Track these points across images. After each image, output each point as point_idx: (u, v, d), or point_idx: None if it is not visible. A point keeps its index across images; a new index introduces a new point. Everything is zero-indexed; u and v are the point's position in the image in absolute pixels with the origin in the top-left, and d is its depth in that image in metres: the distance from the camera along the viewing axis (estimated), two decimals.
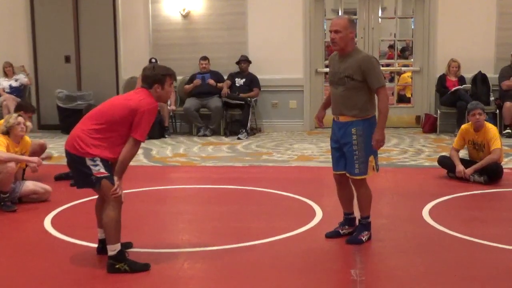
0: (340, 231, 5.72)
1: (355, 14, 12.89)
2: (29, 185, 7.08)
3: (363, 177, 5.47)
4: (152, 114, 4.92)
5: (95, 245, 5.35)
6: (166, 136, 11.82)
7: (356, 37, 5.55)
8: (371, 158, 5.42)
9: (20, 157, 7.02)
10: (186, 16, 12.41)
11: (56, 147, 10.75)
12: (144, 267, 4.93)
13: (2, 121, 7.37)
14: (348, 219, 5.75)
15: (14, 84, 12.55)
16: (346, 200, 5.75)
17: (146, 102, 4.89)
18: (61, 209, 6.80)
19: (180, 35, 12.48)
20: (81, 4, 12.84)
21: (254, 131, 12.00)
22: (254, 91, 11.99)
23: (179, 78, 12.30)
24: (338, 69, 5.40)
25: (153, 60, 11.94)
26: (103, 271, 4.90)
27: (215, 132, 11.95)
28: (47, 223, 6.26)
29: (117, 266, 4.87)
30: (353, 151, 5.38)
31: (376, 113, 5.41)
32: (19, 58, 12.82)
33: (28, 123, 7.21)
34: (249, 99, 11.80)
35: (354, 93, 5.31)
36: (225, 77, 12.17)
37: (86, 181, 4.91)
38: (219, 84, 12.03)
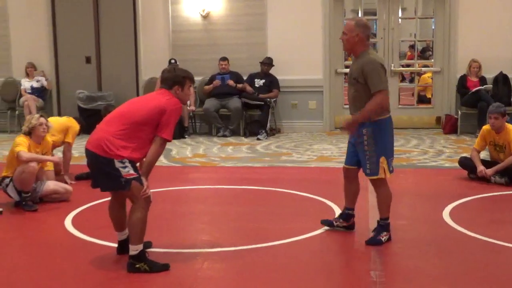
0: (334, 222, 5.80)
1: (375, 14, 12.87)
2: (50, 185, 7.14)
3: (375, 177, 5.48)
4: (178, 114, 4.98)
5: (115, 245, 5.38)
6: (186, 136, 11.86)
7: (368, 39, 5.50)
8: (382, 159, 5.43)
9: (41, 156, 7.07)
10: (205, 17, 12.43)
11: (77, 147, 10.81)
12: (163, 267, 4.95)
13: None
14: (346, 214, 5.81)
15: (35, 85, 12.66)
16: (350, 195, 5.81)
17: (173, 102, 4.93)
18: (82, 209, 6.84)
19: (199, 36, 12.50)
20: (102, 5, 12.92)
21: (273, 132, 11.99)
22: (274, 92, 11.98)
23: (198, 78, 12.34)
24: (351, 71, 5.53)
25: (173, 61, 11.99)
26: (123, 271, 4.92)
27: (234, 133, 11.96)
28: (68, 222, 6.30)
29: (137, 265, 4.89)
30: (364, 152, 5.44)
31: (387, 115, 5.52)
32: (40, 59, 12.93)
33: (50, 124, 7.27)
34: (268, 99, 11.80)
35: (363, 95, 5.38)
36: (244, 78, 12.17)
37: (114, 183, 4.90)
38: (239, 85, 12.05)
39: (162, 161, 9.65)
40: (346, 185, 5.80)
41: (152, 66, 12.53)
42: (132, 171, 4.86)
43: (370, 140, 5.39)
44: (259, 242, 5.57)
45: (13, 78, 13.08)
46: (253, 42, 12.28)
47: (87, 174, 8.00)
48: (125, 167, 4.84)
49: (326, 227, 5.86)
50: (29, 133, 7.02)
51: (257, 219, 6.44)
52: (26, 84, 12.70)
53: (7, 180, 6.93)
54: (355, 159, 5.61)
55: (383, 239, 5.51)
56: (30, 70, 12.72)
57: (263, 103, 11.80)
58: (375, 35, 12.97)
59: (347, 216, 5.82)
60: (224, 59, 12.13)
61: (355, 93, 5.45)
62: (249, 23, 12.32)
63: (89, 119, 11.75)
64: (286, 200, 7.14)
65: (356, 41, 5.41)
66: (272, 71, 12.03)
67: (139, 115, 4.90)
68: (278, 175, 8.45)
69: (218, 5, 12.39)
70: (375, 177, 5.48)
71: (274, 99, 12.04)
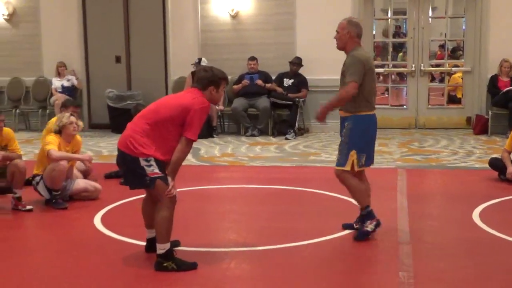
0: (354, 225, 5.84)
1: (405, 13, 12.78)
2: (80, 183, 7.20)
3: (341, 168, 5.60)
4: (204, 114, 4.95)
5: (144, 243, 5.41)
6: (214, 135, 11.89)
7: (359, 37, 5.67)
8: (353, 152, 5.54)
9: (72, 155, 7.14)
10: (234, 17, 12.45)
11: (107, 146, 10.91)
12: (191, 266, 4.96)
13: (54, 119, 7.51)
14: (367, 212, 5.77)
15: (66, 84, 12.79)
16: (362, 193, 5.81)
17: (199, 101, 4.92)
18: (111, 207, 6.89)
19: (228, 36, 12.52)
20: (132, 6, 13.00)
21: (302, 131, 11.97)
22: (303, 92, 11.96)
23: None
24: (342, 70, 5.70)
25: (196, 60, 11.97)
26: (150, 270, 4.94)
27: (262, 132, 11.96)
28: (97, 220, 6.35)
29: (165, 264, 4.91)
30: (341, 142, 5.64)
31: (372, 112, 5.62)
32: (71, 58, 13.05)
33: (80, 122, 7.33)
34: (297, 99, 11.78)
35: None
36: (273, 77, 12.17)
37: (140, 181, 4.94)
38: (267, 85, 12.04)
39: (191, 160, 9.68)
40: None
41: (181, 65, 12.58)
42: (157, 170, 4.86)
43: (347, 132, 5.56)
44: (287, 241, 5.57)
45: (44, 78, 13.22)
46: (282, 41, 12.27)
47: (116, 173, 8.09)
48: (150, 165, 4.85)
49: (350, 230, 5.83)
50: (59, 132, 7.08)
51: (285, 219, 6.43)
52: (57, 83, 12.83)
53: (38, 178, 7.01)
54: None
55: (369, 228, 5.59)
56: (62, 69, 12.85)
57: (291, 102, 11.78)
58: (405, 34, 12.88)
59: (369, 214, 5.77)
60: (252, 58, 12.14)
61: (341, 88, 5.62)
62: (278, 23, 12.30)
63: (118, 118, 11.93)
64: (314, 200, 7.12)
65: (347, 38, 5.61)
66: (301, 70, 12.01)
67: (163, 113, 4.91)
68: (306, 175, 8.43)
69: (247, 5, 12.40)
70: (340, 168, 5.59)
71: (303, 99, 12.02)
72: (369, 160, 5.72)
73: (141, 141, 4.86)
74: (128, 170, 5.01)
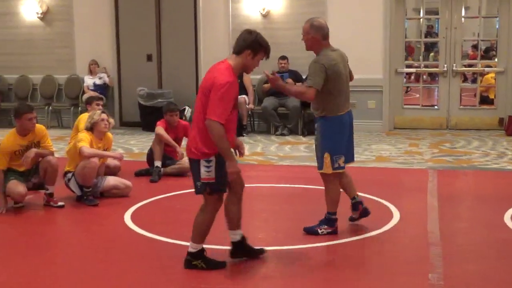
0: (353, 216, 5.96)
1: (437, 13, 12.67)
2: (111, 181, 7.26)
3: (321, 171, 5.67)
4: (226, 90, 4.60)
5: (173, 241, 5.45)
6: (244, 134, 11.90)
7: (324, 39, 5.75)
8: (326, 155, 5.59)
9: (103, 152, 7.20)
10: (265, 16, 12.45)
11: (137, 144, 10.98)
12: (220, 265, 4.97)
13: (82, 116, 7.58)
14: (353, 204, 5.93)
15: (98, 82, 12.91)
16: (346, 187, 5.94)
17: (222, 77, 4.65)
18: (141, 205, 6.94)
19: None
20: (163, 4, 13.07)
21: None
22: None
23: (257, 77, 12.38)
24: None
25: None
26: (179, 267, 4.97)
27: (292, 131, 11.95)
28: (127, 218, 6.40)
29: (194, 262, 4.93)
30: (315, 146, 5.76)
31: (339, 113, 5.72)
32: (103, 56, 13.17)
33: (111, 120, 7.39)
34: None
35: (319, 93, 5.58)
36: (304, 77, 12.14)
37: (194, 185, 4.84)
38: (298, 84, 12.01)
39: None
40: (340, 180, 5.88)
41: (211, 64, 12.54)
42: (212, 175, 4.73)
43: (318, 135, 5.65)
44: (315, 241, 5.56)
45: (77, 75, 13.36)
46: None
47: (146, 171, 8.14)
48: (208, 166, 4.72)
49: (385, 227, 5.80)
50: (91, 129, 7.15)
51: (314, 219, 6.40)
52: (89, 81, 12.96)
53: (70, 175, 7.09)
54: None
55: (320, 231, 5.67)
56: (94, 67, 12.97)
57: None
58: (437, 34, 12.77)
59: (355, 206, 5.94)
60: (283, 58, 12.12)
61: None
62: None
63: (149, 116, 12.00)
64: (344, 200, 7.08)
65: (313, 42, 5.69)
66: None
67: (203, 104, 4.69)
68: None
69: (278, 4, 12.39)
70: (321, 171, 5.67)
71: None
72: (348, 159, 5.81)
73: (197, 140, 4.73)
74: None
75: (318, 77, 5.50)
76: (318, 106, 5.65)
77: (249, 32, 4.89)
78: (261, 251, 5.21)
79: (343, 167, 5.69)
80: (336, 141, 5.61)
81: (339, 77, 5.63)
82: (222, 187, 4.86)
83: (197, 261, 4.92)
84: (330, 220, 5.72)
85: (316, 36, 5.65)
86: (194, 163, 4.77)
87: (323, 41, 5.68)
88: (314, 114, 5.77)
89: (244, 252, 5.12)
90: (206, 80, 4.75)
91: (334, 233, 5.69)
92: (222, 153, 4.68)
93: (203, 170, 4.72)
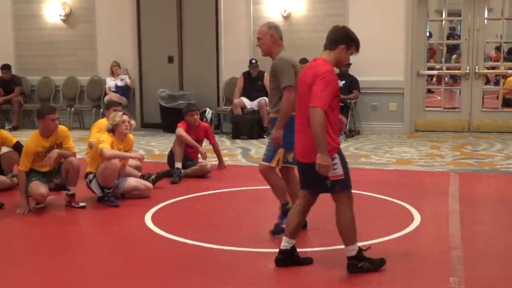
0: (280, 225, 5.80)
1: (459, 15, 12.59)
2: (132, 182, 7.29)
3: (266, 163, 5.68)
4: (328, 78, 4.65)
5: (194, 242, 5.47)
6: (265, 136, 11.89)
7: (281, 39, 5.79)
8: (280, 150, 5.65)
9: (124, 153, 7.24)
10: (287, 18, 12.45)
11: (158, 145, 11.02)
12: (381, 262, 4.94)
13: (102, 121, 7.62)
14: (284, 211, 5.80)
15: (120, 83, 12.97)
16: (289, 194, 5.85)
17: (322, 69, 4.71)
18: (161, 206, 6.96)
19: None
20: (185, 6, 13.11)
21: (353, 133, 11.90)
22: (354, 93, 11.88)
23: None
24: (269, 71, 5.81)
25: (253, 61, 12.06)
26: (199, 268, 4.98)
27: None
28: (148, 219, 6.42)
29: (360, 265, 4.83)
30: (269, 140, 5.75)
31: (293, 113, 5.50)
32: (125, 58, 13.23)
33: (132, 121, 7.43)
34: (348, 101, 11.71)
35: (276, 92, 5.69)
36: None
37: (321, 187, 4.85)
38: None
39: (241, 160, 9.73)
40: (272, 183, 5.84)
41: (233, 66, 12.64)
42: (340, 171, 4.79)
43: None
44: (335, 244, 5.53)
45: (99, 77, 13.45)
46: None
47: (168, 172, 8.17)
48: (334, 164, 4.75)
49: (406, 230, 5.77)
50: (112, 130, 7.19)
51: (332, 221, 6.37)
52: (111, 82, 13.03)
53: (91, 176, 7.13)
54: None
55: (285, 225, 5.51)
56: (115, 68, 13.04)
57: (342, 104, 11.72)
58: (459, 36, 12.69)
59: (286, 213, 5.75)
60: (303, 61, 12.08)
61: (271, 92, 5.77)
62: (330, 24, 11.94)
63: (170, 117, 12.04)
64: (364, 203, 7.06)
65: (271, 42, 5.73)
66: (353, 72, 11.94)
67: (305, 97, 4.73)
68: (356, 177, 8.30)
69: (300, 6, 12.39)
70: (266, 164, 5.69)
71: (354, 100, 11.94)
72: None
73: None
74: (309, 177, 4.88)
75: (291, 74, 5.59)
76: (278, 102, 5.67)
77: (340, 27, 4.97)
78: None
79: (293, 162, 5.60)
80: (291, 138, 5.46)
81: (297, 78, 5.62)
82: (350, 182, 4.92)
83: (362, 262, 4.85)
84: (287, 211, 5.64)
85: (275, 35, 5.73)
86: (311, 166, 4.70)
87: (280, 41, 5.77)
88: (274, 113, 5.72)
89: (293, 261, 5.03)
90: (308, 77, 4.77)
91: None
92: (317, 141, 4.63)
93: (331, 168, 4.71)
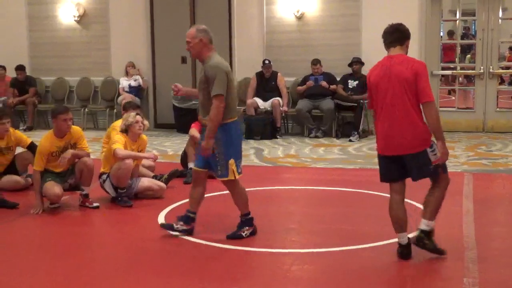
0: (174, 225, 5.78)
1: (473, 15, 12.53)
2: (145, 182, 7.31)
3: (225, 179, 5.60)
4: (426, 71, 5.03)
5: (206, 242, 5.48)
6: (278, 136, 11.90)
7: (211, 43, 5.70)
8: (231, 161, 5.57)
9: (137, 154, 7.26)
10: (300, 18, 12.44)
11: (172, 145, 11.05)
12: (443, 251, 5.14)
13: (116, 123, 7.62)
14: (186, 216, 5.79)
15: (133, 83, 13.00)
16: (193, 199, 5.82)
17: (420, 64, 5.02)
18: (175, 206, 6.98)
19: (293, 37, 12.52)
20: (198, 7, 13.13)
21: (366, 134, 11.86)
22: (368, 93, 11.83)
23: (291, 79, 12.38)
24: (200, 76, 5.66)
25: (266, 62, 12.07)
26: (212, 267, 4.98)
27: (326, 134, 11.91)
28: (161, 219, 6.44)
29: (426, 241, 5.10)
30: (214, 154, 5.54)
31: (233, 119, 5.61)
32: (138, 58, 13.26)
33: (146, 122, 7.45)
34: (361, 101, 11.68)
35: (209, 99, 5.49)
36: (338, 79, 12.11)
37: (426, 172, 5.09)
38: (332, 86, 12.00)
39: (254, 161, 9.74)
40: (193, 188, 5.82)
41: (246, 66, 12.65)
42: (439, 155, 4.98)
43: (219, 143, 5.49)
44: (349, 244, 5.54)
45: (112, 78, 13.49)
46: (347, 43, 12.19)
47: (180, 172, 8.18)
48: (433, 150, 4.99)
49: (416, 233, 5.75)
50: (125, 131, 7.21)
51: (348, 221, 6.40)
52: (125, 82, 13.06)
53: (104, 176, 7.16)
54: (205, 162, 5.69)
55: (244, 234, 5.66)
56: (129, 69, 13.08)
57: (356, 104, 11.70)
58: (473, 35, 12.62)
59: (187, 218, 5.81)
60: (315, 62, 12.07)
61: (203, 98, 5.61)
62: (343, 24, 12.23)
63: (183, 118, 12.06)
64: (378, 203, 7.04)
65: (201, 46, 5.62)
66: (366, 71, 11.88)
67: (401, 92, 4.94)
68: (370, 178, 8.34)
69: (313, 6, 12.37)
70: (226, 179, 5.61)
71: (367, 101, 11.88)
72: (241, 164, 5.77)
73: (422, 130, 4.98)
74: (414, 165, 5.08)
75: (223, 83, 5.48)
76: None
77: (399, 24, 5.18)
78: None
79: (241, 172, 5.70)
80: (237, 145, 5.65)
81: (234, 82, 5.65)
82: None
83: (429, 241, 5.08)
84: (248, 220, 5.76)
85: (205, 39, 5.63)
86: (420, 154, 4.98)
87: (210, 44, 5.66)
88: (206, 120, 5.56)
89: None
90: (402, 72, 4.95)
91: (254, 232, 5.78)
92: (437, 132, 4.97)
93: (430, 155, 4.98)
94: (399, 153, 5.02)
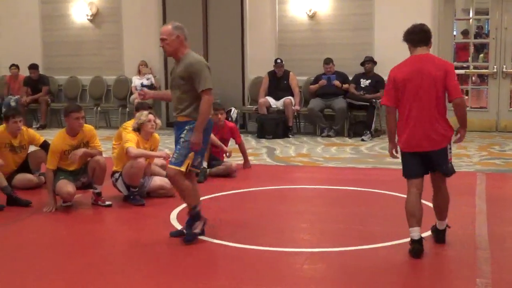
0: (192, 231, 5.69)
1: (487, 13, 12.47)
2: (157, 181, 7.33)
3: (176, 168, 5.47)
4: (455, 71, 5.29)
5: (218, 241, 5.49)
6: (290, 136, 11.90)
7: (187, 40, 5.60)
8: (191, 154, 5.49)
9: (149, 152, 7.27)
10: (312, 17, 12.42)
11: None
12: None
13: (127, 123, 7.64)
14: (193, 214, 5.73)
15: (146, 82, 13.03)
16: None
17: (447, 62, 5.35)
18: (186, 205, 6.97)
19: (305, 36, 12.50)
20: (210, 6, 13.15)
21: (378, 133, 11.83)
22: (380, 92, 11.78)
23: (303, 78, 12.37)
24: (174, 74, 5.60)
25: (279, 61, 12.07)
26: (222, 266, 4.99)
27: (338, 133, 11.89)
28: (173, 217, 6.45)
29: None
30: (178, 143, 5.52)
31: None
32: (151, 57, 13.29)
33: (158, 121, 7.46)
34: (374, 100, 11.66)
35: (188, 95, 5.50)
36: (350, 78, 12.09)
37: (446, 169, 5.33)
38: (344, 85, 11.98)
39: (266, 160, 9.73)
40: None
41: (258, 65, 12.65)
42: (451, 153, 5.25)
43: (189, 134, 5.44)
44: (361, 243, 5.53)
45: (125, 76, 13.53)
46: (359, 42, 12.16)
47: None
48: (450, 148, 5.26)
49: (429, 232, 5.73)
50: (138, 130, 7.23)
51: (360, 221, 6.38)
52: (137, 81, 13.09)
53: (117, 174, 7.18)
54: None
55: (197, 231, 5.56)
56: (142, 68, 13.11)
57: (368, 103, 11.67)
58: (487, 34, 12.55)
59: (196, 216, 5.73)
60: (328, 62, 12.05)
61: (181, 95, 5.54)
62: (356, 23, 12.20)
63: None
64: (390, 202, 7.03)
65: (178, 43, 5.53)
66: (379, 71, 11.87)
67: (434, 89, 5.13)
68: (382, 177, 8.34)
69: (325, 5, 12.35)
70: (176, 168, 5.47)
71: (380, 100, 11.86)
72: (202, 161, 5.74)
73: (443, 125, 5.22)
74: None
75: (208, 77, 5.48)
76: (194, 108, 5.50)
77: (423, 24, 5.38)
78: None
79: (198, 167, 5.66)
80: (205, 142, 5.59)
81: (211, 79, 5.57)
82: None
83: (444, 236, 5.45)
84: (196, 214, 5.65)
85: (182, 36, 5.55)
86: (444, 151, 5.23)
87: (186, 42, 5.59)
88: (183, 117, 5.52)
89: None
90: (433, 71, 5.14)
91: (205, 223, 5.70)
92: (465, 121, 5.25)
93: (448, 152, 5.25)
94: (426, 149, 5.18)
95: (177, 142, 5.59)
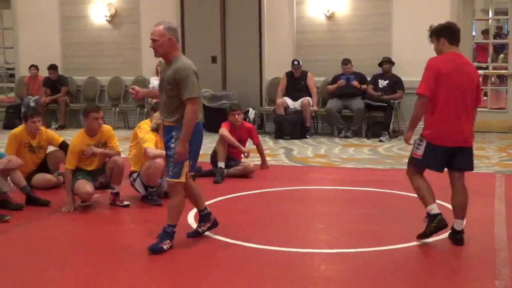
0: (198, 229, 5.76)
1: (506, 14, 12.39)
2: None
3: (175, 180, 5.39)
4: None
5: (236, 242, 5.50)
6: (308, 136, 11.88)
7: (179, 42, 5.47)
8: (187, 162, 5.39)
9: None
10: (330, 17, 12.40)
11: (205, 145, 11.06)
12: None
13: (143, 123, 7.65)
14: (202, 216, 5.77)
15: None
16: (192, 200, 5.78)
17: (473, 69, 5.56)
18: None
19: (323, 36, 12.48)
20: (228, 7, 13.17)
21: (396, 134, 11.78)
22: (398, 93, 11.78)
23: (321, 79, 12.35)
24: (163, 77, 5.45)
25: (295, 62, 12.06)
26: (240, 266, 4.99)
27: (356, 134, 11.86)
28: (190, 218, 6.46)
29: (459, 237, 5.46)
30: (170, 155, 5.39)
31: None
32: None
33: None
34: (392, 101, 11.61)
35: (174, 100, 5.34)
36: (368, 79, 12.05)
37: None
38: (363, 86, 11.95)
39: (284, 160, 9.73)
40: (185, 191, 5.63)
41: (275, 66, 12.65)
42: None
43: (177, 143, 5.31)
44: (378, 244, 5.51)
45: (143, 77, 13.58)
46: (377, 42, 12.12)
47: (210, 171, 8.20)
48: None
49: (448, 232, 5.70)
50: (156, 130, 7.25)
51: (377, 222, 6.36)
52: (154, 82, 13.13)
53: (135, 175, 7.21)
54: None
55: (165, 247, 5.41)
56: (159, 68, 13.15)
57: (386, 104, 11.63)
58: (506, 35, 12.47)
59: (204, 217, 5.79)
60: (346, 62, 12.02)
61: (167, 99, 5.39)
62: (374, 24, 12.16)
63: (213, 117, 12.07)
64: (407, 203, 7.00)
65: (170, 45, 5.38)
66: (397, 71, 11.83)
67: (472, 88, 5.38)
68: (399, 178, 8.26)
69: (343, 6, 12.32)
70: (175, 180, 5.39)
71: (398, 101, 11.83)
72: (195, 166, 5.66)
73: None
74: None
75: (195, 85, 5.33)
76: (175, 112, 5.37)
77: (455, 23, 5.62)
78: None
79: (192, 170, 5.60)
80: (197, 148, 5.55)
81: (199, 82, 5.48)
82: None
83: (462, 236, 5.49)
84: (171, 233, 5.51)
85: (174, 38, 5.41)
86: (471, 149, 5.54)
87: (177, 44, 5.47)
88: (170, 122, 5.39)
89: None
90: (472, 72, 5.44)
91: (215, 225, 5.80)
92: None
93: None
94: (458, 145, 5.37)
95: (167, 148, 5.48)
